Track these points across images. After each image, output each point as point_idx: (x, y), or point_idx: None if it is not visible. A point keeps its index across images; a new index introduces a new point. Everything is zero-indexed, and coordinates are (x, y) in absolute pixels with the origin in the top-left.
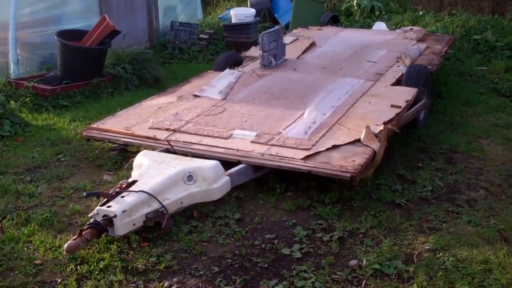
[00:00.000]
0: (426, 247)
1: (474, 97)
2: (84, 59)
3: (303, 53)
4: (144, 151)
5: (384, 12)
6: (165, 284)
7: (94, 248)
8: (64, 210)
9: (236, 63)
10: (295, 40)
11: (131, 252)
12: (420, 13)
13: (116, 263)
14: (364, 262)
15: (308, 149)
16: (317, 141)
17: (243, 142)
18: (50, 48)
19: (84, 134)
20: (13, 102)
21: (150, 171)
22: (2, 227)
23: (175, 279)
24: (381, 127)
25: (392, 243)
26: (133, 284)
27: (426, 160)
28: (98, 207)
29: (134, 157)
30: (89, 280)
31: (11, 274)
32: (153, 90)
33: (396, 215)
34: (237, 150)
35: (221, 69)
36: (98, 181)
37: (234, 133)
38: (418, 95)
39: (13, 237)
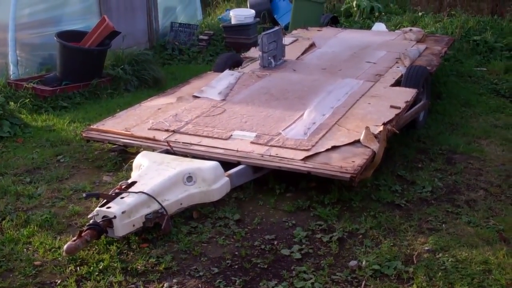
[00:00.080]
0: (426, 248)
1: (474, 97)
2: (83, 60)
3: (302, 54)
4: (144, 152)
5: (383, 13)
6: (165, 285)
7: (94, 249)
8: (63, 211)
9: (235, 64)
10: (295, 41)
11: (131, 253)
12: (420, 14)
13: (115, 264)
14: (363, 262)
15: (307, 150)
16: (316, 142)
17: (243, 143)
18: (50, 49)
19: (84, 135)
20: (12, 103)
21: (150, 172)
22: (1, 228)
23: (174, 280)
24: (381, 128)
25: (391, 244)
26: (133, 285)
27: (425, 160)
28: (97, 208)
29: (134, 158)
30: (89, 281)
31: (11, 275)
32: (153, 91)
33: (395, 216)
34: (237, 151)
35: (221, 70)
36: (98, 182)
37: (233, 134)
38: (418, 96)
39: (12, 238)
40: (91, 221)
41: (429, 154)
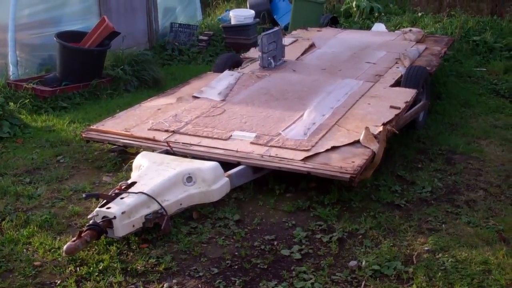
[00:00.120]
0: (426, 248)
1: (473, 98)
2: (83, 61)
3: (302, 54)
4: (144, 152)
5: (383, 14)
6: (165, 286)
7: (94, 249)
8: (63, 211)
9: (235, 64)
10: (295, 41)
11: (131, 254)
12: (419, 14)
13: (115, 265)
14: (363, 263)
15: (307, 150)
16: (316, 142)
17: (243, 143)
18: (50, 49)
19: (84, 135)
20: (12, 103)
21: (150, 173)
22: (1, 229)
23: (174, 281)
24: (380, 128)
25: (391, 244)
26: (133, 286)
27: (425, 161)
28: (97, 209)
29: (134, 158)
30: (89, 282)
31: (10, 276)
32: (153, 92)
33: (395, 216)
34: (237, 151)
35: (221, 70)
36: (98, 182)
37: (233, 134)
38: (417, 96)
39: (12, 238)
40: (91, 222)
41: (428, 155)
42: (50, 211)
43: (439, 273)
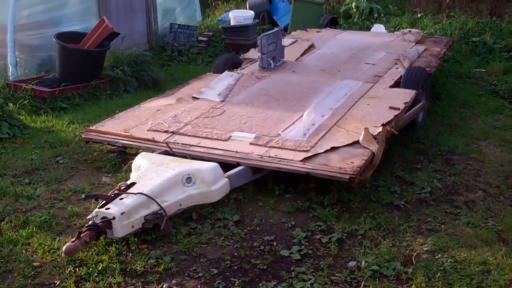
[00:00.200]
0: (425, 249)
1: (473, 99)
2: (82, 61)
3: (302, 55)
4: (143, 153)
5: (382, 15)
6: (164, 286)
7: (93, 250)
8: (62, 212)
9: (235, 65)
10: (294, 42)
11: (130, 254)
12: (419, 15)
13: (114, 265)
14: (362, 263)
15: (307, 151)
16: (316, 143)
17: (242, 144)
18: (49, 50)
19: (83, 136)
20: (11, 104)
21: (149, 173)
22: (0, 229)
23: (174, 281)
24: (380, 129)
25: (390, 245)
26: (132, 286)
27: (424, 161)
28: (96, 209)
29: (133, 159)
30: (88, 282)
31: (10, 277)
32: (152, 92)
33: (394, 217)
34: (236, 152)
35: (220, 71)
36: (97, 183)
37: (233, 135)
38: (417, 97)
39: (11, 239)
40: (90, 222)
41: (428, 155)
42: (49, 212)
43: (438, 274)
